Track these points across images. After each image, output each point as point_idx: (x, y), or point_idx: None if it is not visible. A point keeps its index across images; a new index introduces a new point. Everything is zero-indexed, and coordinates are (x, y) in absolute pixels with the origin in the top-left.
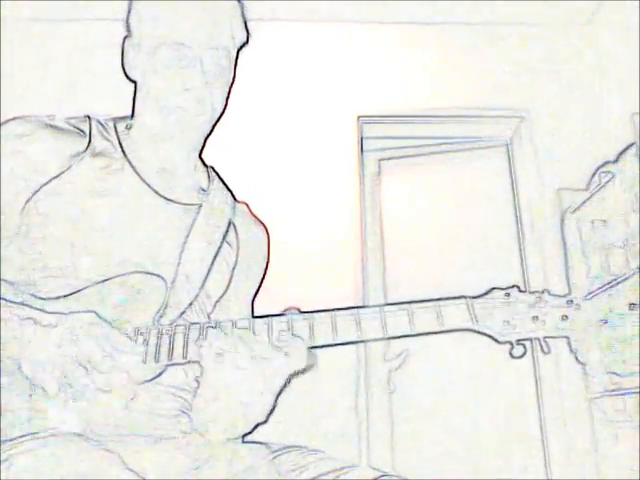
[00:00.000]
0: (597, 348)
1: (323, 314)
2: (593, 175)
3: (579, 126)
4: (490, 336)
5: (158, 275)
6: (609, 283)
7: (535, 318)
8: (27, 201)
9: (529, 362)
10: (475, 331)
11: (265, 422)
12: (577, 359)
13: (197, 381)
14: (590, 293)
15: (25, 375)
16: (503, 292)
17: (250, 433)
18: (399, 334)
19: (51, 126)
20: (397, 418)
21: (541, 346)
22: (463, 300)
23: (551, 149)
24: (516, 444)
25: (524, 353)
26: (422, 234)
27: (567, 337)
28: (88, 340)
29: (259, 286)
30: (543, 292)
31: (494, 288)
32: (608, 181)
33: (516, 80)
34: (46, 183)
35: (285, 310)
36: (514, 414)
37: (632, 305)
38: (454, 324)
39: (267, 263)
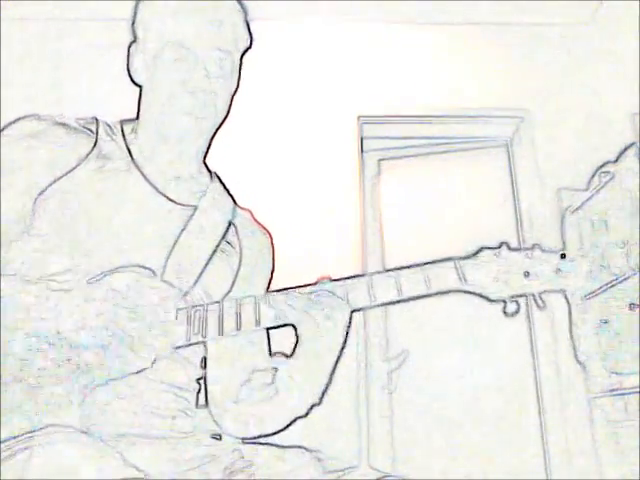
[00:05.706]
0: (597, 348)
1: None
2: (593, 175)
3: (579, 126)
4: (481, 295)
5: (146, 267)
6: (609, 283)
7: (527, 273)
8: (36, 199)
9: (529, 363)
10: (465, 291)
11: (319, 403)
12: (577, 359)
13: (198, 382)
14: (590, 293)
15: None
16: (492, 251)
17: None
18: (387, 301)
19: (62, 124)
20: (397, 418)
21: (536, 301)
22: (451, 262)
23: (551, 149)
24: (516, 444)
25: (517, 310)
26: (422, 234)
27: (563, 290)
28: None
29: (266, 290)
30: (534, 247)
31: (483, 247)
32: (608, 181)
33: (516, 80)
34: (52, 182)
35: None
36: (514, 414)
37: (632, 305)
38: (442, 286)
39: (272, 270)
